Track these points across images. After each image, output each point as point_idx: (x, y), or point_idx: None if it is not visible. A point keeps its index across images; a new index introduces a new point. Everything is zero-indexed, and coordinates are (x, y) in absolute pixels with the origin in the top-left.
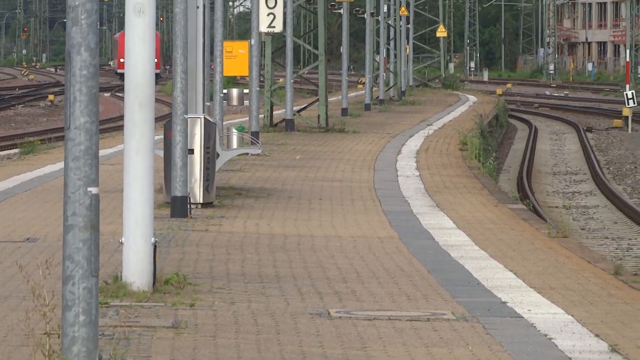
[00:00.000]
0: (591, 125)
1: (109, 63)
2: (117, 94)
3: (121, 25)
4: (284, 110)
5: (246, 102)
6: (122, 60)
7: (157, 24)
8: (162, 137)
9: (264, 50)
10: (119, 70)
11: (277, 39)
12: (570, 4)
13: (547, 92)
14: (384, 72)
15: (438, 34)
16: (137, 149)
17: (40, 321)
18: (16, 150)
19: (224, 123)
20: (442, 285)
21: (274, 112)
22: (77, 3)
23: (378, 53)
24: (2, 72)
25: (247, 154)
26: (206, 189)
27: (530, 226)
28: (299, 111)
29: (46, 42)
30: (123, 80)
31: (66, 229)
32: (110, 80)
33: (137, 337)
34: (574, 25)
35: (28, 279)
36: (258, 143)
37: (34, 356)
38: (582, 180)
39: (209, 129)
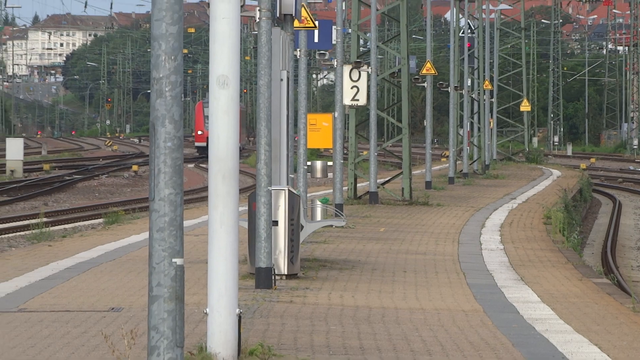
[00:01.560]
0: None
1: (192, 134)
2: (201, 165)
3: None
4: (367, 182)
5: (330, 175)
6: (199, 132)
7: (240, 96)
8: (247, 208)
9: (348, 123)
10: (197, 144)
11: (361, 112)
12: None
13: (631, 167)
14: (467, 146)
15: (522, 108)
16: (221, 220)
17: None
18: (100, 220)
19: (308, 195)
20: (527, 358)
21: (358, 185)
22: (161, 75)
23: (462, 126)
24: (86, 142)
25: (332, 225)
26: (290, 261)
27: (615, 300)
28: (383, 184)
29: (129, 113)
30: (201, 153)
31: (151, 299)
32: (194, 152)
33: None
34: None
35: (113, 349)
36: (342, 215)
37: None
38: None
39: (293, 201)
